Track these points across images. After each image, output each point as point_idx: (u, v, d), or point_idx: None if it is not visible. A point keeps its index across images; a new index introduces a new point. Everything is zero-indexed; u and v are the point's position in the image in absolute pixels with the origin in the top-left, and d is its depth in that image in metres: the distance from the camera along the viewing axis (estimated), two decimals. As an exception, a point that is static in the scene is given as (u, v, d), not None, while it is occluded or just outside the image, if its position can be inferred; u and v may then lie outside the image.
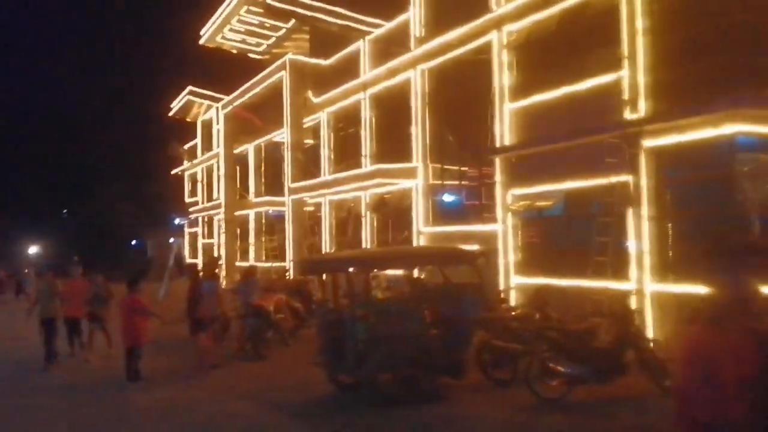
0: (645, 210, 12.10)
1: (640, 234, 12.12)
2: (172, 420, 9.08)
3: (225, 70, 36.12)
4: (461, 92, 17.74)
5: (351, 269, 9.80)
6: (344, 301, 10.41)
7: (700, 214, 11.86)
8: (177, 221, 45.41)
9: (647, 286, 11.89)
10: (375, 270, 13.20)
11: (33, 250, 61.23)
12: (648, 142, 12.00)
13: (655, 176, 12.08)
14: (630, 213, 12.29)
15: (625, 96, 12.40)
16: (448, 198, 18.60)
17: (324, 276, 11.25)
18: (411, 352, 9.30)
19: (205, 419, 9.01)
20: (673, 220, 12.10)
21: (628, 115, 12.34)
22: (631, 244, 12.24)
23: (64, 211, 66.82)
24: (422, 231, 18.55)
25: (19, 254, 57.04)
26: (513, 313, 11.41)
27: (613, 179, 12.42)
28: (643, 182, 12.12)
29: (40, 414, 9.73)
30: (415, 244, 18.56)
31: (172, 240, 42.30)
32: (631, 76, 12.36)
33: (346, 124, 23.96)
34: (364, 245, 21.11)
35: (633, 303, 10.09)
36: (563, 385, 8.98)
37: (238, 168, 33.01)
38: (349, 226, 22.90)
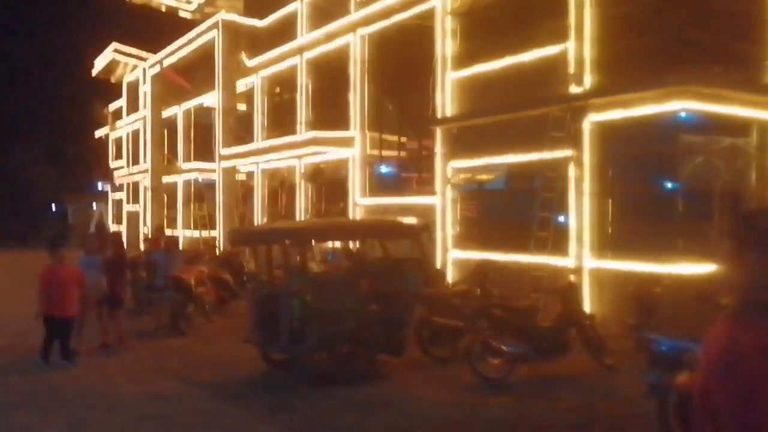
0: (587, 185, 11.97)
1: (581, 210, 12.00)
2: (92, 404, 8.23)
3: (153, 29, 34.23)
4: (402, 59, 17.20)
5: (288, 241, 9.26)
6: (279, 274, 9.88)
7: (642, 191, 11.82)
8: (100, 186, 43.46)
9: (586, 262, 11.82)
10: (313, 242, 12.67)
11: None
12: (593, 117, 11.83)
13: (598, 152, 11.94)
14: (572, 188, 12.15)
15: (571, 69, 12.16)
16: (386, 169, 18.13)
17: (258, 248, 10.64)
18: (349, 329, 8.90)
19: (130, 401, 8.28)
20: (614, 197, 12.02)
21: (573, 88, 12.11)
22: (570, 220, 12.13)
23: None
24: (358, 202, 18.05)
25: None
26: (454, 289, 11.13)
27: (558, 153, 12.22)
28: (586, 157, 11.97)
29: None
30: (351, 216, 18.05)
31: (94, 206, 40.45)
32: (578, 48, 12.11)
33: (282, 89, 23.06)
34: (297, 216, 20.47)
35: (576, 280, 9.95)
36: (505, 363, 8.76)
37: (165, 132, 31.54)
38: (282, 195, 22.17)
